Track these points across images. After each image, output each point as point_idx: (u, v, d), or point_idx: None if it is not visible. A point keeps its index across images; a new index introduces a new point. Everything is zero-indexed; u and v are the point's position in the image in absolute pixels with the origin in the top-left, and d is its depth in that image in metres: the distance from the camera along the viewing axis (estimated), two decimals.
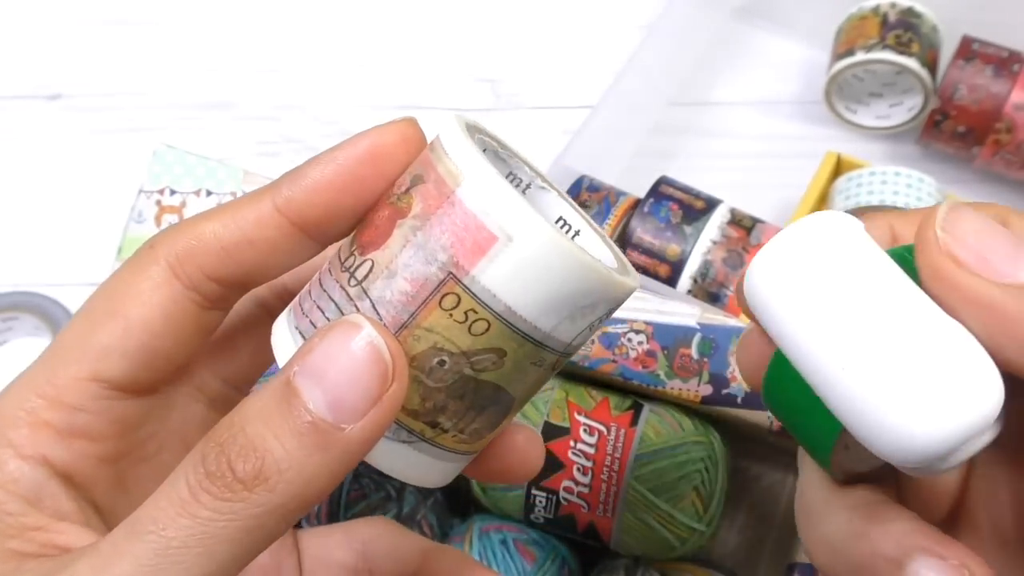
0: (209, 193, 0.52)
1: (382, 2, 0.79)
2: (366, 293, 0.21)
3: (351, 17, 0.79)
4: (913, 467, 0.19)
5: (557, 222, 0.25)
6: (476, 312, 0.20)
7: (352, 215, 0.23)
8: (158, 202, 0.52)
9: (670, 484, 0.46)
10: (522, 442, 0.26)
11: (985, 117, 0.64)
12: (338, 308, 0.22)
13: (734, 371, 0.48)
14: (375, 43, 0.77)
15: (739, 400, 0.47)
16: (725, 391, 0.47)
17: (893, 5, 0.68)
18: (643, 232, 0.59)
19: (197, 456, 0.20)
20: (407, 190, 0.21)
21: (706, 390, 0.48)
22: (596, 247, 0.24)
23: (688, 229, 0.59)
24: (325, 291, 0.22)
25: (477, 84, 0.75)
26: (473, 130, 0.23)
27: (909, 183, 0.61)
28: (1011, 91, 0.63)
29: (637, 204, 0.61)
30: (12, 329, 0.63)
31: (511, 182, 0.25)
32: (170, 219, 0.52)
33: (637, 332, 0.48)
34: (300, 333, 0.23)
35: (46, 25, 0.78)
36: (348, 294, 0.22)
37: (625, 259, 0.24)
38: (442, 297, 0.20)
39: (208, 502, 0.19)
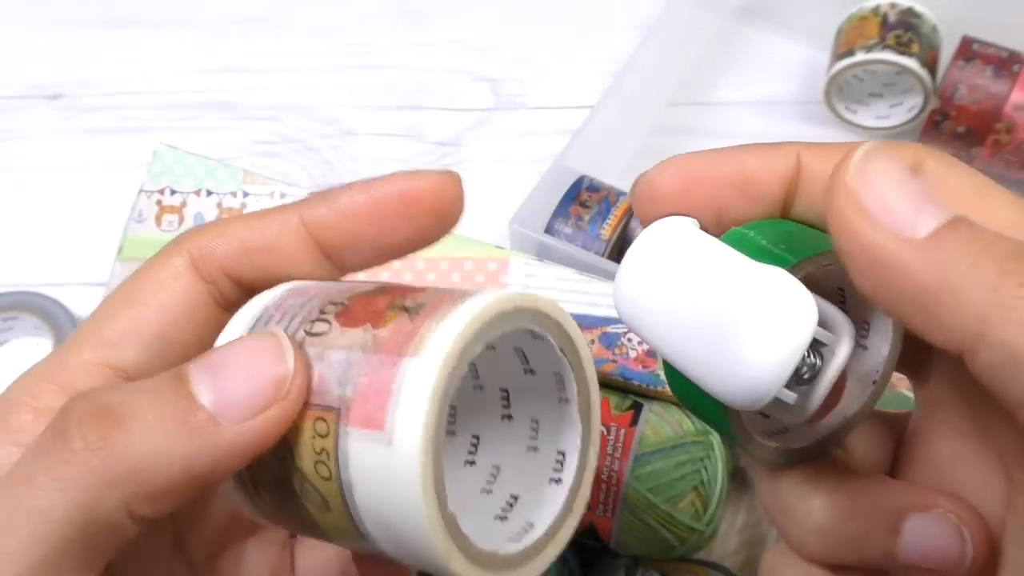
0: (209, 193, 0.52)
1: (382, 2, 0.79)
2: (303, 343, 0.21)
3: (351, 17, 0.79)
4: (766, 403, 0.20)
5: (557, 455, 0.23)
6: (328, 457, 0.20)
7: (372, 249, 0.24)
8: (158, 202, 0.52)
9: (670, 484, 0.46)
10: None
11: (985, 117, 0.64)
12: (290, 324, 0.22)
13: None
14: (375, 43, 0.77)
15: None
16: None
17: (893, 5, 0.68)
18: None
19: (63, 409, 0.20)
20: (403, 309, 0.21)
21: None
22: (547, 510, 0.22)
23: None
24: (303, 309, 0.22)
25: (477, 84, 0.75)
26: (515, 318, 0.21)
27: None
28: (1011, 91, 0.63)
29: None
30: (12, 329, 0.63)
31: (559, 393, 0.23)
32: (170, 219, 0.52)
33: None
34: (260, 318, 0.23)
35: (46, 25, 0.78)
36: (300, 326, 0.22)
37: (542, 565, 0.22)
38: (320, 416, 0.20)
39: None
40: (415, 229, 0.24)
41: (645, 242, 0.22)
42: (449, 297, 0.20)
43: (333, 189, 0.24)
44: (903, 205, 0.18)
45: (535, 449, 0.23)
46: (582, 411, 0.22)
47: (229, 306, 0.24)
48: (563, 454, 0.22)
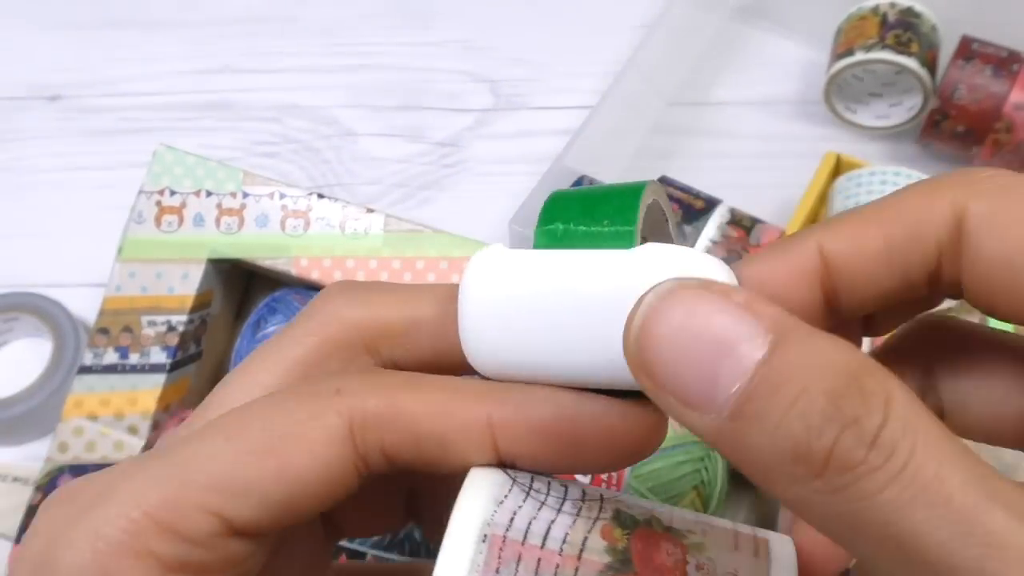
0: (209, 194, 0.52)
1: (382, 2, 0.79)
2: None
3: (351, 17, 0.79)
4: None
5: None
6: None
7: (549, 467, 0.21)
8: (158, 202, 0.52)
9: (670, 484, 0.46)
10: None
11: (984, 117, 0.64)
12: None
13: None
14: (375, 43, 0.77)
15: None
16: None
17: (892, 5, 0.68)
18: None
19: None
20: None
21: None
22: None
23: (688, 229, 0.59)
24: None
25: (477, 84, 0.75)
26: None
27: (909, 183, 0.61)
28: (1010, 91, 0.63)
29: None
30: (12, 330, 0.63)
31: None
32: (170, 220, 0.52)
33: None
34: None
35: (46, 25, 0.78)
36: None
37: None
38: None
39: None
40: (602, 464, 0.20)
41: (479, 279, 0.20)
42: (735, 543, 0.19)
43: (527, 387, 0.21)
44: (697, 376, 0.16)
45: None
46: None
47: (368, 474, 0.21)
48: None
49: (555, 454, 0.20)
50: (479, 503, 0.19)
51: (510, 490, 0.20)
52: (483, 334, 0.20)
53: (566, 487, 0.21)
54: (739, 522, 0.53)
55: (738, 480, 0.54)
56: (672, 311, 0.17)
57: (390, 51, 0.77)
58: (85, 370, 0.51)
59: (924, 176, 0.62)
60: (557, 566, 0.19)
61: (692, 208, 0.60)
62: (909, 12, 0.68)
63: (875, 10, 0.68)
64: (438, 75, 0.76)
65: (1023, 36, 0.65)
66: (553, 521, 0.19)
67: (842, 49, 0.68)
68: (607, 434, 0.20)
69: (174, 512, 0.19)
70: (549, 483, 0.21)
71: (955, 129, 0.65)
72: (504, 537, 0.19)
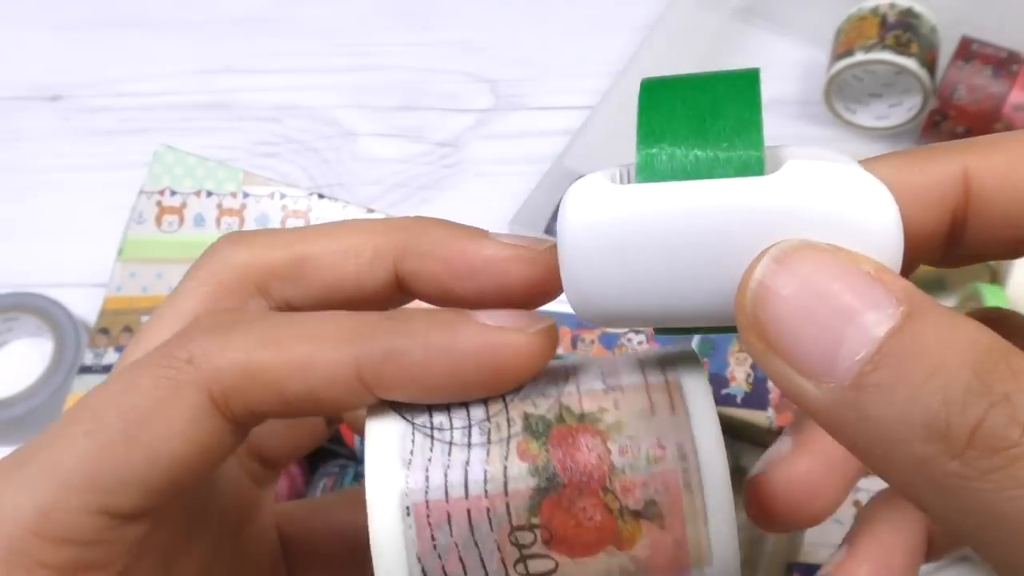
0: (209, 194, 0.52)
1: (382, 2, 0.79)
2: None
3: (351, 17, 0.79)
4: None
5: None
6: None
7: (443, 400, 0.20)
8: (158, 203, 0.52)
9: None
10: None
11: (984, 117, 0.64)
12: None
13: (733, 371, 0.48)
14: (375, 43, 0.77)
15: (739, 400, 0.47)
16: (725, 391, 0.47)
17: (892, 6, 0.68)
18: None
19: None
20: (635, 514, 0.18)
21: None
22: None
23: None
24: (477, 548, 0.18)
25: (477, 84, 0.75)
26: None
27: None
28: (1010, 91, 0.63)
29: None
30: (12, 330, 0.63)
31: None
32: (170, 220, 0.52)
33: (637, 332, 0.48)
34: (423, 570, 0.18)
35: (46, 25, 0.78)
36: (496, 562, 0.18)
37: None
38: None
39: None
40: (484, 392, 0.20)
41: (583, 217, 0.18)
42: (674, 480, 0.18)
43: (396, 323, 0.20)
44: (813, 343, 0.15)
45: None
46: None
47: (244, 433, 0.20)
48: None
49: (433, 389, 0.19)
50: (388, 473, 0.19)
51: (413, 441, 0.19)
52: (589, 277, 0.18)
53: (467, 407, 0.19)
54: (739, 523, 0.53)
55: (738, 480, 0.54)
56: (796, 270, 0.16)
57: (390, 51, 0.77)
58: (86, 370, 0.51)
59: None
60: (488, 510, 0.18)
61: None
62: (909, 13, 0.68)
63: (875, 11, 0.68)
64: (438, 75, 0.76)
65: (1023, 37, 0.66)
66: (468, 462, 0.19)
67: (842, 50, 0.68)
68: (484, 364, 0.19)
69: (55, 521, 0.18)
70: (449, 411, 0.19)
71: (955, 130, 0.65)
72: (426, 503, 0.18)
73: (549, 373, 0.20)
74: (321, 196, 0.52)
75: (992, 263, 0.60)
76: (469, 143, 0.73)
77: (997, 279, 0.60)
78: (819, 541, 0.46)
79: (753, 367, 0.48)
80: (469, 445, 0.19)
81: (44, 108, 0.74)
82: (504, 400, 0.20)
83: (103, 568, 0.19)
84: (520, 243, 0.21)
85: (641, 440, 0.18)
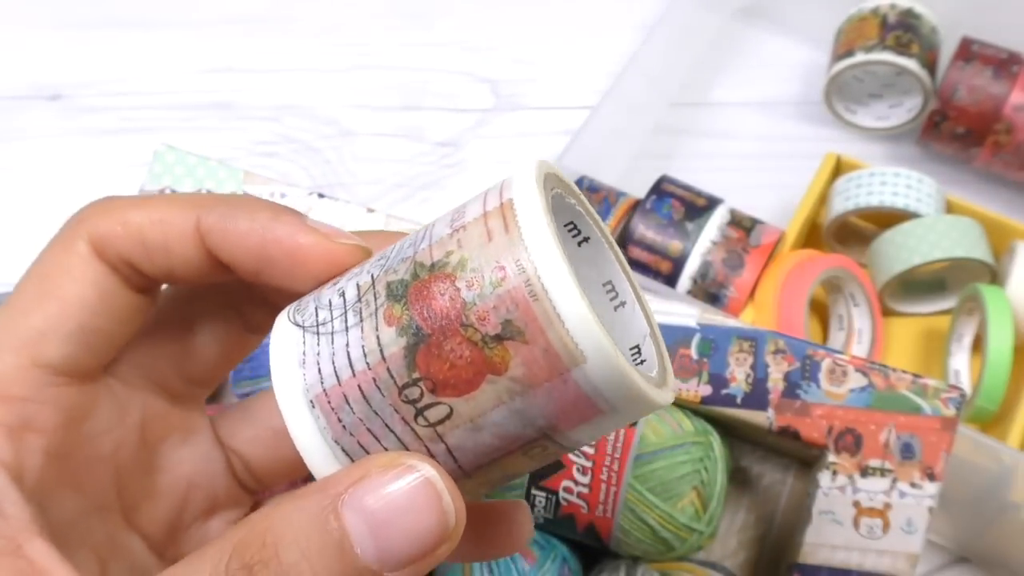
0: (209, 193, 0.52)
1: (382, 2, 0.79)
2: (441, 438, 0.20)
3: (351, 17, 0.79)
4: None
5: (605, 285, 0.24)
6: (548, 450, 0.20)
7: (262, 279, 0.23)
8: None
9: (670, 484, 0.46)
10: (518, 518, 0.26)
11: (984, 118, 0.64)
12: (400, 442, 0.20)
13: (733, 371, 0.48)
14: (375, 43, 0.77)
15: (739, 400, 0.47)
16: (724, 391, 0.47)
17: (893, 6, 0.68)
18: (645, 228, 0.60)
19: (220, 558, 0.19)
20: (498, 339, 0.19)
21: (705, 390, 0.48)
22: (638, 325, 0.23)
23: (690, 226, 0.59)
24: (378, 416, 0.20)
25: (477, 84, 0.75)
26: (547, 186, 0.21)
27: (909, 184, 0.61)
28: (1010, 92, 0.63)
29: (637, 205, 0.61)
30: None
31: (571, 232, 0.24)
32: None
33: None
34: (342, 449, 0.20)
35: (46, 25, 0.78)
36: (416, 432, 0.20)
37: (667, 359, 0.23)
38: (529, 448, 0.20)
39: None
40: (292, 282, 0.23)
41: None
42: (520, 294, 0.19)
43: (237, 199, 0.24)
44: None
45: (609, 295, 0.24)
46: (609, 243, 0.23)
47: (139, 289, 0.23)
48: (610, 282, 0.23)
49: (255, 263, 0.23)
50: (288, 376, 0.21)
51: (304, 342, 0.21)
52: None
53: (342, 290, 0.21)
54: (739, 523, 0.53)
55: (738, 480, 0.54)
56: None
57: (390, 51, 0.77)
58: None
59: (924, 177, 0.62)
60: (374, 380, 0.20)
61: (694, 205, 0.60)
62: (909, 13, 0.68)
63: (875, 11, 0.68)
64: (438, 75, 0.76)
65: (1023, 38, 0.66)
66: (348, 344, 0.20)
67: (842, 50, 0.68)
68: (288, 250, 0.22)
69: None
70: (330, 305, 0.21)
71: (955, 130, 0.65)
72: (324, 392, 0.20)
73: (412, 236, 0.22)
74: (321, 196, 0.52)
75: (994, 264, 0.60)
76: (469, 143, 0.73)
77: (997, 280, 0.60)
78: (819, 541, 0.46)
79: (753, 367, 0.48)
80: (347, 328, 0.20)
81: (44, 107, 0.74)
82: (371, 276, 0.21)
83: (43, 432, 0.22)
84: (329, 232, 0.23)
85: (483, 268, 0.19)
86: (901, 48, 0.66)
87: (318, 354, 0.20)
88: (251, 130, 0.73)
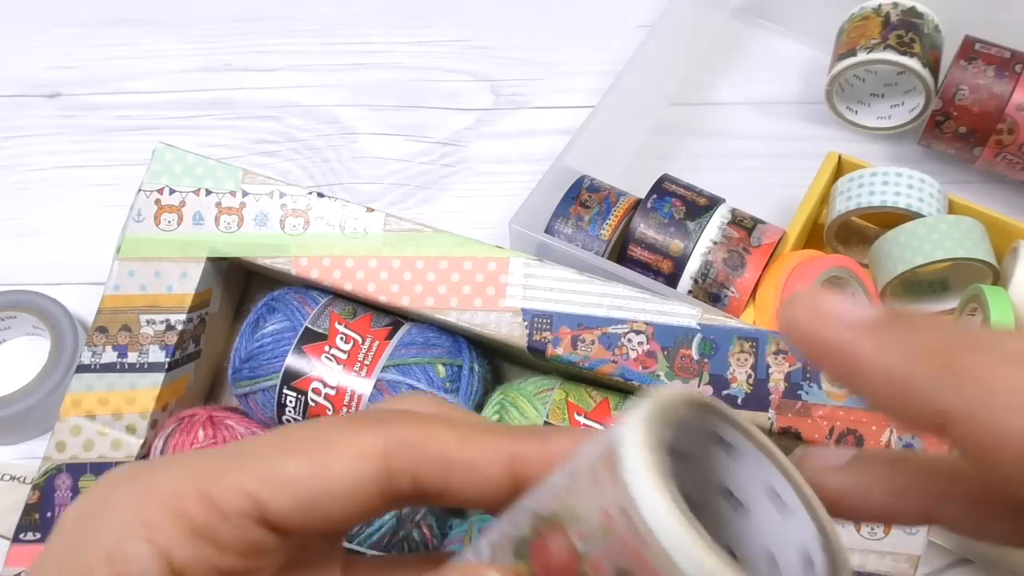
0: (208, 192, 0.51)
1: (382, 2, 0.79)
2: None
3: (351, 17, 0.79)
4: None
5: (766, 490, 0.22)
6: None
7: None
8: (157, 201, 0.51)
9: None
10: None
11: (987, 118, 0.63)
12: None
13: (734, 372, 0.47)
14: (375, 43, 0.77)
15: (740, 401, 0.47)
16: (726, 392, 0.47)
17: (895, 5, 0.68)
18: (646, 228, 0.59)
19: None
20: None
21: (707, 391, 0.47)
22: (802, 529, 0.22)
23: (691, 225, 0.59)
24: None
25: (477, 84, 0.75)
26: (667, 417, 0.20)
27: (911, 184, 0.61)
28: (1013, 92, 0.63)
29: (637, 204, 0.61)
30: (10, 328, 0.63)
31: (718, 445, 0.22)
32: (169, 218, 0.51)
33: (637, 332, 0.48)
34: None
35: (46, 24, 0.78)
36: None
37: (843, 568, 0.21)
38: None
39: None
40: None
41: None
42: (631, 540, 0.18)
43: (543, 429, 0.24)
44: (845, 304, 0.19)
45: None
46: (763, 447, 0.22)
47: (392, 501, 0.23)
48: (772, 487, 0.22)
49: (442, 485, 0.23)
50: None
51: None
52: None
53: (484, 542, 0.22)
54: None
55: None
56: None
57: (390, 50, 0.77)
58: (83, 369, 0.50)
59: (927, 177, 0.62)
60: None
61: (695, 205, 0.60)
62: (912, 12, 0.68)
63: (877, 10, 0.68)
64: (438, 75, 0.76)
65: None
66: None
67: (844, 49, 0.68)
68: (512, 477, 0.23)
69: (216, 486, 0.22)
70: (478, 548, 0.22)
71: (957, 130, 0.65)
72: None
73: (544, 482, 0.21)
74: (321, 195, 0.52)
75: (996, 264, 0.60)
76: (469, 142, 0.72)
77: (999, 280, 0.60)
78: None
79: (754, 368, 0.48)
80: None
81: (43, 106, 0.74)
82: (500, 531, 0.21)
83: (224, 551, 0.22)
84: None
85: (589, 519, 0.19)
86: (903, 47, 0.65)
87: None
88: (250, 129, 0.73)
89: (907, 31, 0.66)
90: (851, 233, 0.66)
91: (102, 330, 0.51)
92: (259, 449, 0.23)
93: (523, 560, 0.20)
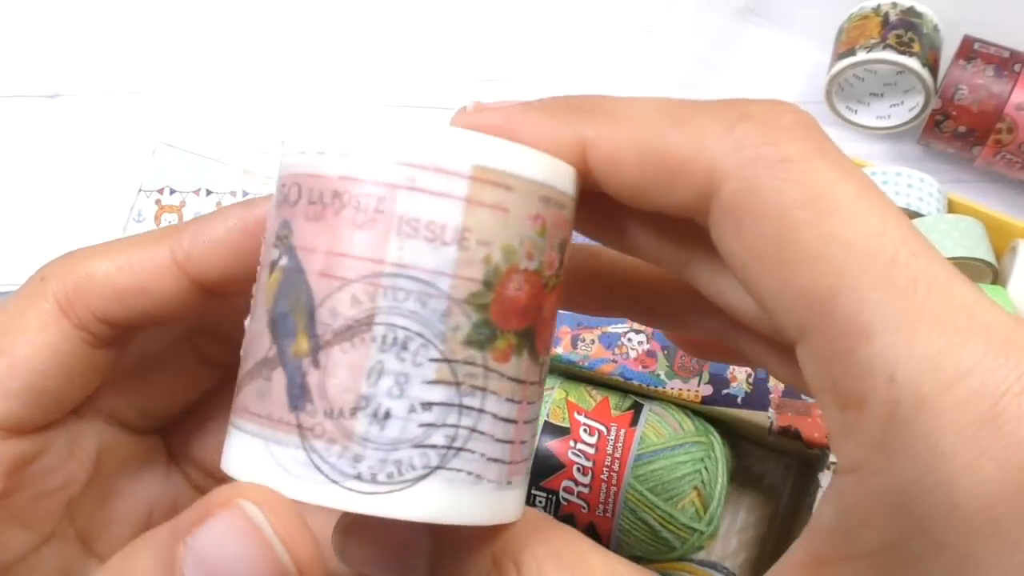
0: (208, 192, 0.52)
1: (383, 1, 0.79)
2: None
3: (351, 16, 0.79)
4: None
5: None
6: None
7: (250, 279, 0.22)
8: (157, 201, 0.52)
9: (670, 484, 0.46)
10: None
11: (986, 117, 0.64)
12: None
13: (734, 371, 0.47)
14: (375, 43, 0.77)
15: (739, 400, 0.47)
16: (725, 391, 0.47)
17: (894, 5, 0.68)
18: None
19: None
20: (561, 262, 0.20)
21: (706, 390, 0.48)
22: None
23: None
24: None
25: (477, 84, 0.75)
26: None
27: (910, 183, 0.61)
28: (1012, 91, 0.63)
29: None
30: None
31: None
32: (169, 218, 0.51)
33: (637, 332, 0.48)
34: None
35: (46, 25, 0.78)
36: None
37: None
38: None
39: None
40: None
41: None
42: None
43: (204, 217, 0.23)
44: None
45: None
46: None
47: (103, 345, 0.23)
48: None
49: (244, 264, 0.22)
50: None
51: None
52: None
53: None
54: (739, 523, 0.53)
55: (739, 480, 0.54)
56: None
57: (390, 49, 0.77)
58: None
59: (926, 176, 0.62)
60: None
61: None
62: (911, 12, 0.68)
63: (877, 10, 0.68)
64: (438, 74, 0.76)
65: None
66: None
67: (843, 49, 0.68)
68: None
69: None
70: None
71: (956, 129, 0.65)
72: None
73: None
74: None
75: (995, 264, 0.60)
76: None
77: (999, 280, 0.60)
78: None
79: (754, 367, 0.48)
80: None
81: (44, 106, 0.74)
82: None
83: None
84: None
85: (524, 232, 0.20)
86: (902, 47, 0.66)
87: None
88: (250, 128, 0.73)
89: (906, 30, 0.66)
90: None
91: None
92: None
93: (485, 326, 0.18)
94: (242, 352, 0.20)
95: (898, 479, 0.16)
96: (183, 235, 0.22)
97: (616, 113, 0.19)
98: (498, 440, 0.19)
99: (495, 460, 0.19)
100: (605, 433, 0.47)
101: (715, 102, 0.19)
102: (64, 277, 0.22)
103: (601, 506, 0.46)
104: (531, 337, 0.19)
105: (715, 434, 0.48)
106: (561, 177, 0.20)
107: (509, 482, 0.19)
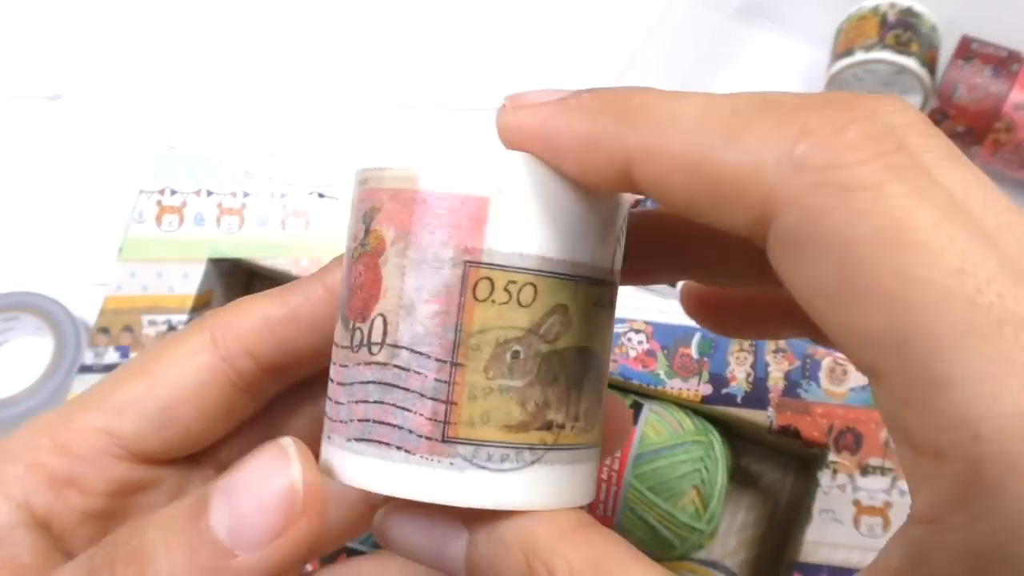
0: (209, 193, 0.52)
1: (382, 3, 0.79)
2: (397, 347, 0.19)
3: (352, 17, 0.79)
4: None
5: None
6: (515, 281, 0.19)
7: None
8: (158, 202, 0.52)
9: (670, 483, 0.46)
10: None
11: (984, 117, 0.64)
12: (379, 386, 0.19)
13: (733, 371, 0.48)
14: (376, 43, 0.77)
15: (739, 400, 0.47)
16: (725, 391, 0.47)
17: (892, 5, 0.68)
18: None
19: (88, 552, 0.19)
20: (367, 232, 0.20)
21: (706, 389, 0.48)
22: None
23: None
24: (357, 381, 0.20)
25: (477, 84, 0.75)
26: None
27: None
28: (1010, 91, 0.63)
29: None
30: (12, 329, 0.63)
31: None
32: (170, 219, 0.52)
33: (637, 331, 0.48)
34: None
35: (46, 25, 0.78)
36: (379, 363, 0.19)
37: None
38: (474, 289, 0.19)
39: None
40: None
41: None
42: (361, 200, 0.21)
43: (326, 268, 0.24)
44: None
45: None
46: None
47: (245, 387, 0.23)
48: None
49: None
50: None
51: None
52: None
53: None
54: (739, 523, 0.53)
55: (738, 479, 0.54)
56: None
57: (390, 50, 0.77)
58: (86, 369, 0.51)
59: None
60: None
61: None
62: (909, 12, 0.68)
63: (875, 10, 0.68)
64: (438, 74, 0.76)
65: (1023, 36, 0.66)
66: None
67: (842, 49, 0.68)
68: None
69: (66, 431, 0.22)
70: None
71: (955, 129, 0.65)
72: None
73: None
74: (321, 195, 0.52)
75: None
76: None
77: None
78: (819, 540, 0.46)
79: (753, 367, 0.48)
80: None
81: (44, 107, 0.74)
82: None
83: (88, 493, 0.22)
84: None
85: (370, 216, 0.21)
86: (901, 47, 0.66)
87: None
88: (251, 130, 0.73)
89: (904, 30, 0.67)
90: None
91: (104, 331, 0.51)
92: (100, 386, 0.23)
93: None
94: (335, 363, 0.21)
95: (981, 542, 0.15)
96: (333, 269, 0.23)
97: (661, 119, 0.18)
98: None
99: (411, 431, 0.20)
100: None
101: (774, 103, 0.17)
102: (223, 313, 0.23)
103: (601, 505, 0.47)
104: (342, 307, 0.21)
105: (715, 433, 0.48)
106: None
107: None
